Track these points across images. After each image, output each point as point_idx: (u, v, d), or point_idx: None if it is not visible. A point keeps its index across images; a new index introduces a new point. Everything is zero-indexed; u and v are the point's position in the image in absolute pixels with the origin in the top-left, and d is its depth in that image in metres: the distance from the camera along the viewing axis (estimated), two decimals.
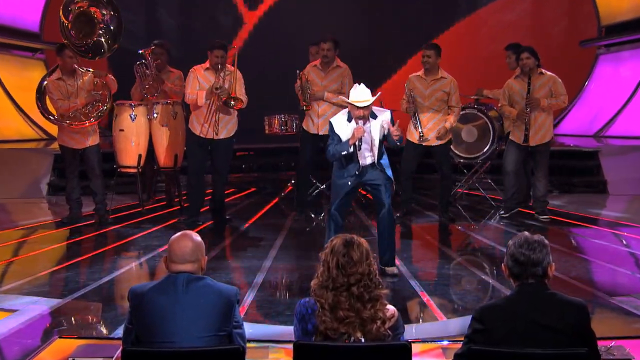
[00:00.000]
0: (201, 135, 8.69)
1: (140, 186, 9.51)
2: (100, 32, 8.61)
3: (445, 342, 4.97)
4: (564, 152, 11.85)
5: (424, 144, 8.85)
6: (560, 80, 8.92)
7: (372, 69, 13.45)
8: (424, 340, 4.98)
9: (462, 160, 10.11)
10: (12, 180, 11.00)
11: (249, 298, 6.01)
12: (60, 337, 5.08)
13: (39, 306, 5.81)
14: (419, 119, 8.82)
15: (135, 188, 9.70)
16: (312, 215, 9.47)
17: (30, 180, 11.15)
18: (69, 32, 8.57)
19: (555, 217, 9.08)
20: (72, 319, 5.72)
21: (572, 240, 8.37)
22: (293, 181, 10.44)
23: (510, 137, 9.11)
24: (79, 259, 7.43)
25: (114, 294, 6.51)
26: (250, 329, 4.77)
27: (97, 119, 8.82)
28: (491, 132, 9.85)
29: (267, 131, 10.11)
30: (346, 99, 6.57)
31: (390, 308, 3.61)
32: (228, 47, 8.74)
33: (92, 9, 8.62)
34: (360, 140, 6.42)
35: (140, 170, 9.43)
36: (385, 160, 6.65)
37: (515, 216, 9.17)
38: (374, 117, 6.50)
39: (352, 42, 13.16)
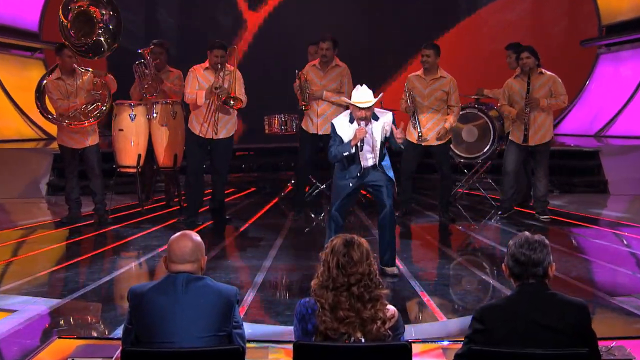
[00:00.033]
0: (200, 135, 8.68)
1: (139, 186, 9.50)
2: (100, 31, 8.60)
3: (445, 343, 4.96)
4: (565, 152, 11.84)
5: (423, 144, 8.83)
6: (560, 80, 8.91)
7: (373, 70, 13.45)
8: (424, 341, 4.97)
9: (462, 160, 10.09)
10: (12, 180, 10.99)
11: (248, 298, 6.00)
12: (59, 338, 5.07)
13: (38, 306, 5.79)
14: (418, 119, 8.82)
15: (134, 188, 9.69)
16: (312, 215, 9.46)
17: (29, 180, 11.14)
18: (68, 31, 8.56)
19: (555, 217, 9.07)
20: (72, 319, 5.70)
21: (573, 240, 8.35)
22: (293, 181, 10.43)
23: (510, 138, 9.09)
24: (79, 259, 7.42)
25: (113, 294, 6.51)
26: (250, 329, 4.76)
27: (96, 119, 8.80)
28: (492, 132, 9.84)
29: (267, 131, 10.11)
30: (348, 100, 6.57)
31: (391, 308, 3.60)
32: (228, 47, 8.73)
33: (92, 9, 8.61)
34: (362, 141, 6.43)
35: (139, 170, 9.41)
36: (386, 162, 6.65)
37: (516, 216, 9.16)
38: (376, 118, 6.51)
39: (353, 42, 13.18)
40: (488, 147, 9.89)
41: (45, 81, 9.03)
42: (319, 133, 9.03)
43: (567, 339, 3.41)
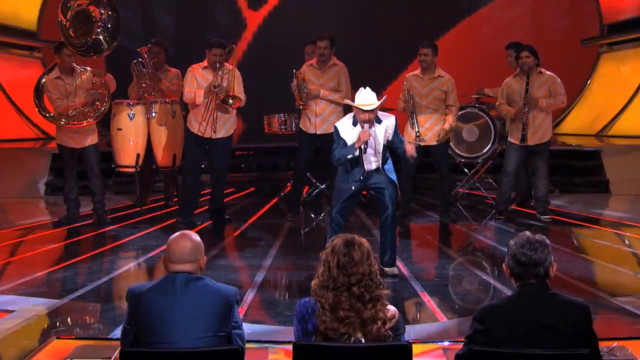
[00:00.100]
0: (199, 134, 8.66)
1: (138, 186, 9.48)
2: (98, 30, 8.57)
3: (446, 343, 4.95)
4: (566, 151, 11.82)
5: (421, 144, 8.79)
6: (559, 80, 8.88)
7: (375, 71, 13.41)
8: (424, 341, 4.95)
9: (463, 160, 10.07)
10: (10, 180, 10.96)
11: (248, 298, 5.99)
12: (57, 338, 5.05)
13: (36, 307, 5.78)
14: (416, 119, 8.79)
15: (133, 188, 9.66)
16: (312, 215, 9.43)
17: (28, 180, 11.12)
18: (67, 30, 8.53)
19: (557, 217, 9.05)
20: (70, 319, 5.69)
21: (574, 241, 8.33)
22: (293, 181, 10.40)
23: (509, 139, 9.05)
24: (77, 259, 7.40)
25: (112, 294, 6.50)
26: (249, 329, 4.74)
27: (95, 119, 8.78)
28: (492, 132, 9.82)
29: (266, 131, 10.08)
30: (352, 103, 6.55)
31: (391, 308, 3.59)
32: (226, 46, 8.70)
33: (91, 8, 8.59)
34: (365, 144, 6.42)
35: (138, 169, 9.38)
36: (389, 166, 6.66)
37: (517, 216, 9.14)
38: (379, 121, 6.50)
39: (354, 43, 13.16)
40: (489, 146, 9.87)
41: (44, 79, 8.99)
42: (318, 132, 9.01)
43: (568, 340, 3.40)
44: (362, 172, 6.56)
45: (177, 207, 9.56)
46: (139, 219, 9.14)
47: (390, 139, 6.55)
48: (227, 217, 9.18)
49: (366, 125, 6.41)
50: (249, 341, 4.20)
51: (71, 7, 8.57)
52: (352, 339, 3.47)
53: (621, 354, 4.49)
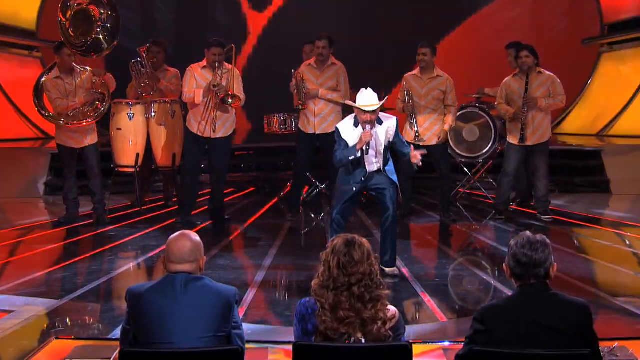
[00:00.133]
0: (198, 134, 8.65)
1: (138, 186, 9.46)
2: (98, 29, 8.56)
3: (446, 343, 4.94)
4: (567, 151, 11.81)
5: (420, 144, 8.77)
6: (558, 80, 8.86)
7: (375, 71, 13.38)
8: (424, 341, 4.94)
9: (463, 160, 10.05)
10: (9, 180, 10.95)
11: (248, 298, 5.97)
12: (57, 338, 5.04)
13: (35, 307, 5.77)
14: (415, 119, 8.78)
15: (132, 188, 9.65)
16: (312, 215, 9.42)
17: (27, 180, 11.10)
18: (67, 30, 8.52)
19: (557, 217, 9.04)
20: (69, 319, 5.67)
21: (575, 241, 8.32)
22: (292, 181, 10.38)
23: (507, 140, 9.04)
24: (76, 259, 7.39)
25: (111, 294, 6.49)
26: (249, 329, 4.73)
27: (95, 119, 8.76)
28: (493, 131, 9.80)
29: (266, 130, 10.07)
30: (353, 104, 6.53)
31: (391, 309, 3.58)
32: (226, 45, 8.69)
33: (91, 7, 8.58)
34: (367, 145, 6.40)
35: (137, 169, 9.37)
36: (390, 167, 6.65)
37: (517, 216, 9.12)
38: (380, 122, 6.49)
39: (355, 43, 13.14)
40: (489, 146, 9.86)
41: (44, 79, 8.98)
42: (317, 132, 9.00)
43: (568, 340, 3.40)
44: (364, 173, 6.55)
45: (177, 207, 9.55)
46: (138, 219, 9.13)
47: (391, 140, 6.54)
48: (226, 217, 9.17)
49: (368, 126, 6.39)
50: (248, 341, 4.19)
51: (71, 7, 8.57)
52: (352, 339, 3.46)
53: (622, 354, 4.49)
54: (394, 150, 6.70)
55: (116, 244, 8.04)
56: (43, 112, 9.09)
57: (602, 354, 3.65)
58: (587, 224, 8.89)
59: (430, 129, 8.81)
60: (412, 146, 6.62)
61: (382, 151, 6.51)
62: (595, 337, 3.50)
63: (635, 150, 11.39)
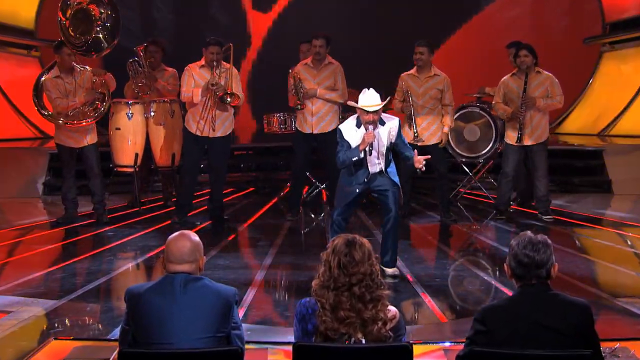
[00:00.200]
0: (197, 133, 8.63)
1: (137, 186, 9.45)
2: (98, 29, 8.54)
3: (447, 344, 4.93)
4: (568, 151, 11.80)
5: (419, 144, 8.74)
6: (557, 80, 8.84)
7: (375, 72, 13.36)
8: (425, 342, 4.92)
9: (464, 160, 10.03)
10: (8, 180, 10.94)
11: (248, 298, 5.96)
12: (55, 339, 5.03)
13: (34, 307, 5.75)
14: (414, 119, 8.76)
15: (131, 188, 9.63)
16: (312, 215, 9.40)
17: (25, 180, 11.09)
18: (67, 29, 8.50)
19: (558, 217, 9.02)
20: (68, 320, 5.65)
21: (576, 241, 8.31)
22: (291, 181, 10.37)
23: (505, 140, 9.01)
24: (75, 259, 7.37)
25: (110, 294, 6.48)
26: (249, 329, 4.72)
27: (95, 119, 8.75)
28: (493, 131, 9.78)
29: (266, 130, 10.05)
30: (355, 104, 6.51)
31: (392, 309, 3.57)
32: (224, 44, 8.67)
33: (91, 7, 8.56)
34: (370, 146, 6.38)
35: (137, 169, 9.35)
36: (392, 169, 6.62)
37: (518, 216, 9.11)
38: (382, 123, 6.46)
39: (355, 43, 13.13)
40: (490, 146, 9.85)
41: (43, 79, 8.96)
42: (314, 132, 8.98)
43: (569, 340, 3.39)
44: (366, 174, 6.51)
45: (176, 207, 9.53)
46: (137, 219, 9.11)
47: (393, 140, 6.51)
48: (226, 217, 9.15)
49: (370, 127, 6.36)
50: (248, 342, 4.19)
51: (71, 6, 8.56)
52: (353, 339, 3.45)
53: (623, 355, 4.48)
54: (394, 151, 6.67)
55: (115, 244, 8.02)
56: (43, 112, 9.08)
57: (603, 354, 3.65)
58: (589, 224, 8.88)
59: (428, 128, 8.79)
60: (415, 150, 6.57)
61: (385, 152, 6.49)
62: (596, 338, 3.49)
63: (637, 150, 11.37)
